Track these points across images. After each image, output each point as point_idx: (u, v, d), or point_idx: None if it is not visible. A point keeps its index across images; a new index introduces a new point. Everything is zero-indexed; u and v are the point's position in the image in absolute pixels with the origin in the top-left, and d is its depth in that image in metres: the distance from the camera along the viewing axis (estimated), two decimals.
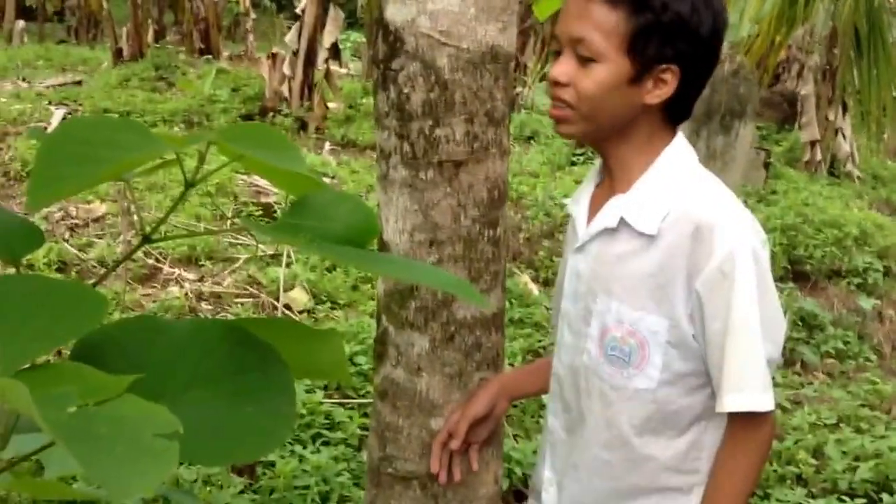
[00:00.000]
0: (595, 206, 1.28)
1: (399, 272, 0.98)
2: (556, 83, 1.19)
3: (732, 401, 1.16)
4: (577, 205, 1.32)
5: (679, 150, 1.24)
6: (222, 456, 0.87)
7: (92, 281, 3.64)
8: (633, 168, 1.23)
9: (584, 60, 1.17)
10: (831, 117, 6.84)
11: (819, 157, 6.82)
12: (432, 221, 1.47)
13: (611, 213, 1.23)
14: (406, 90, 1.41)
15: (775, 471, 3.05)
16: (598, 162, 1.33)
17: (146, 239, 0.80)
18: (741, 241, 1.14)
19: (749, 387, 1.15)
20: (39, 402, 0.58)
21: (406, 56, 1.39)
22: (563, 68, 1.18)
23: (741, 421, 1.18)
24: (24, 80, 9.20)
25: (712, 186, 1.21)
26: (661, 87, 1.18)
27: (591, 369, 1.25)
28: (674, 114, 1.23)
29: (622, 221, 1.21)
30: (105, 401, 0.69)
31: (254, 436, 0.82)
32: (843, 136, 6.96)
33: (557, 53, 1.22)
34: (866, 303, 4.70)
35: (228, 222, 5.32)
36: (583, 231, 1.28)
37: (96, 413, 0.67)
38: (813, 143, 6.82)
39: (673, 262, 1.16)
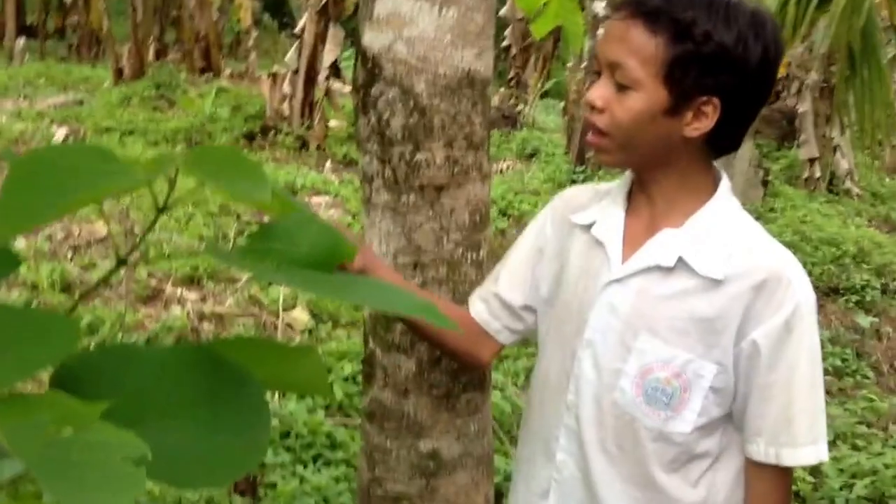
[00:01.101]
0: (632, 237, 1.21)
1: (361, 297, 0.98)
2: (592, 107, 1.15)
3: (808, 453, 1.15)
4: (606, 229, 1.23)
5: (730, 195, 1.20)
6: (195, 480, 0.88)
7: (96, 302, 3.63)
8: (680, 202, 1.17)
9: (621, 87, 1.12)
10: (830, 134, 6.86)
11: (818, 174, 6.83)
12: (415, 244, 1.49)
13: (665, 250, 1.16)
14: (386, 116, 1.43)
15: None
16: (622, 185, 1.26)
17: (121, 262, 0.82)
18: (807, 296, 1.13)
19: (821, 438, 1.15)
20: (11, 429, 0.59)
21: (384, 82, 1.41)
22: (599, 92, 1.14)
23: (783, 470, 1.17)
24: (25, 98, 9.24)
25: (770, 238, 1.19)
26: (702, 120, 1.12)
27: (626, 408, 1.19)
28: (717, 147, 1.18)
29: (680, 260, 1.15)
30: (79, 428, 0.70)
31: (226, 461, 0.83)
32: (842, 154, 6.97)
33: (598, 74, 1.17)
34: (864, 320, 4.70)
35: (231, 242, 5.35)
36: (619, 263, 1.20)
37: (68, 440, 0.69)
38: (812, 161, 6.84)
39: (732, 309, 1.13)
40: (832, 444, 3.44)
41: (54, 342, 0.76)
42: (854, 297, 4.94)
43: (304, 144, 7.68)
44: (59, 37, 15.75)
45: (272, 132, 7.84)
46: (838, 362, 4.33)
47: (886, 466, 3.18)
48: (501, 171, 7.24)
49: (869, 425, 3.67)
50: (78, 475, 0.62)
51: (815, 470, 3.19)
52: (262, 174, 0.91)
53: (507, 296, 1.36)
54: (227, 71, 10.71)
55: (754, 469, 1.18)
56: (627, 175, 1.25)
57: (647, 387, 1.17)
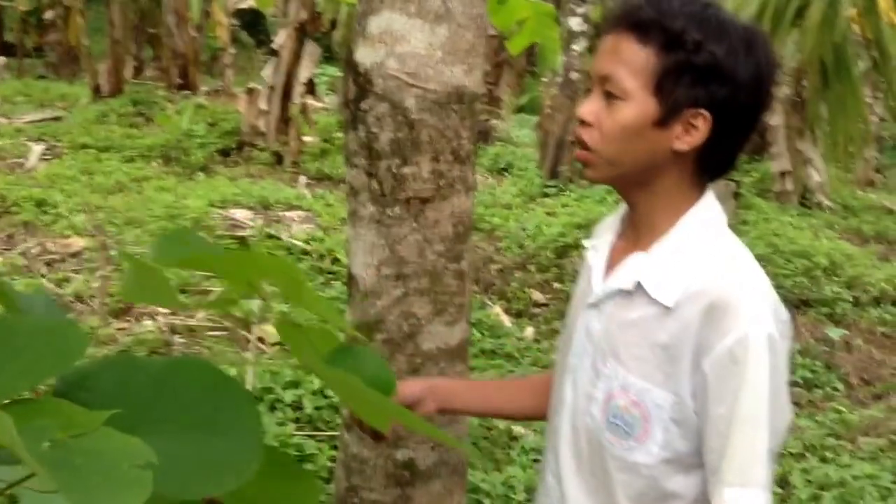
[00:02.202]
0: (614, 259, 1.19)
1: (410, 423, 1.07)
2: (582, 122, 1.13)
3: (735, 496, 1.05)
4: (597, 253, 1.22)
5: (707, 211, 1.14)
6: (191, 489, 0.90)
7: (69, 315, 3.61)
8: (658, 224, 1.14)
9: (611, 99, 1.10)
10: (801, 148, 6.99)
11: (790, 187, 6.95)
12: (398, 256, 1.51)
13: (628, 273, 1.14)
14: (375, 130, 1.45)
15: None
16: (621, 207, 1.24)
17: None
18: (757, 326, 1.04)
19: (752, 483, 1.05)
20: (18, 433, 0.61)
21: (375, 97, 1.44)
22: (590, 107, 1.12)
23: None
24: (3, 116, 9.17)
25: (738, 259, 1.11)
26: (692, 134, 1.08)
27: (594, 433, 1.17)
28: (708, 166, 1.13)
29: (639, 286, 1.12)
30: (82, 434, 0.72)
31: (222, 470, 0.85)
32: (814, 167, 7.10)
33: (589, 89, 1.16)
34: (834, 332, 4.77)
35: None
36: (598, 286, 1.19)
37: (73, 445, 0.70)
38: (783, 174, 6.95)
39: (684, 336, 1.08)
40: (801, 456, 3.49)
41: (64, 350, 0.78)
42: (825, 310, 5.02)
43: (279, 160, 7.67)
44: (37, 55, 15.61)
45: (248, 148, 7.83)
46: (808, 374, 4.39)
47: (854, 478, 3.23)
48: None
49: (838, 437, 3.73)
50: (84, 479, 0.64)
51: (783, 481, 3.24)
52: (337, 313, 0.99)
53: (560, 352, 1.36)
54: (205, 88, 10.68)
55: None
56: None
57: (609, 414, 1.14)
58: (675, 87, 1.07)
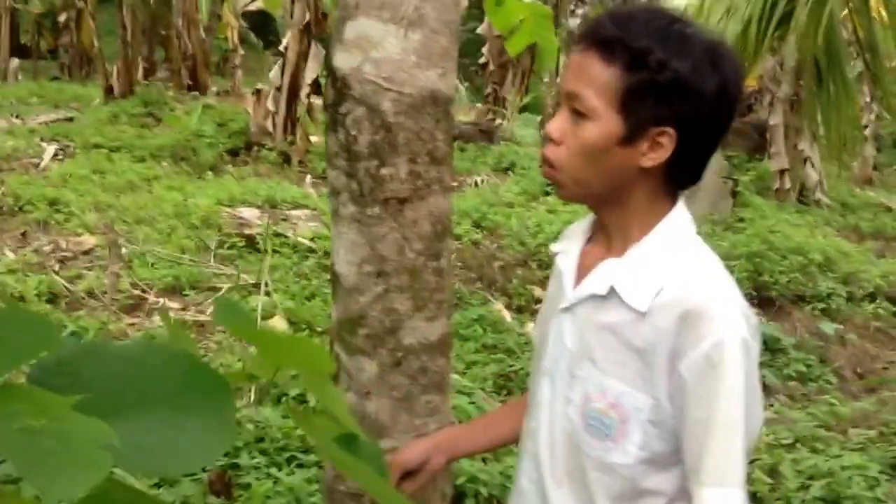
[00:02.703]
0: (585, 264, 1.22)
1: (358, 478, 1.14)
2: (550, 140, 1.14)
3: (712, 496, 1.08)
4: (567, 258, 1.25)
5: (678, 220, 1.16)
6: (164, 467, 0.96)
7: (81, 311, 3.72)
8: (631, 233, 1.16)
9: (577, 116, 1.11)
10: (800, 146, 7.04)
11: (788, 185, 7.00)
12: (379, 254, 1.58)
13: (601, 279, 1.16)
14: (353, 132, 1.53)
15: None
16: (590, 214, 1.26)
17: None
18: (732, 331, 1.07)
19: (730, 483, 1.08)
20: None
21: (352, 101, 1.51)
22: (557, 125, 1.13)
23: None
24: (17, 116, 9.33)
25: (708, 266, 1.15)
26: (657, 151, 1.10)
27: (572, 435, 1.19)
28: (677, 178, 1.15)
29: (612, 291, 1.15)
30: (52, 418, 0.78)
31: (194, 449, 0.92)
32: (812, 165, 7.15)
33: (558, 104, 1.19)
34: (829, 327, 4.83)
35: (213, 253, 5.44)
36: (570, 291, 1.21)
37: (42, 429, 0.76)
38: (782, 172, 7.00)
39: (659, 341, 1.10)
40: (792, 447, 3.56)
41: (33, 341, 0.85)
42: (820, 305, 5.08)
43: (286, 159, 7.78)
44: (52, 57, 15.84)
45: (256, 148, 7.95)
46: (802, 368, 4.45)
47: (843, 468, 3.29)
48: (477, 184, 7.37)
49: (828, 429, 3.79)
50: (49, 460, 0.69)
51: (773, 471, 3.31)
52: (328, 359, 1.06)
53: (534, 333, 1.45)
54: (215, 88, 10.82)
55: None
56: None
57: (587, 416, 1.16)
58: (640, 105, 1.08)
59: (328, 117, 1.59)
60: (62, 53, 14.50)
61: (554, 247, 1.30)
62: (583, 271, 1.21)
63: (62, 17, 13.43)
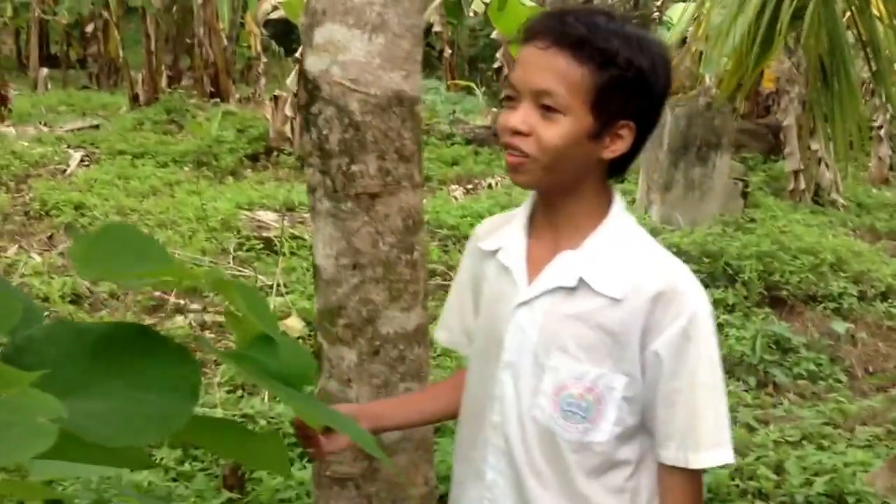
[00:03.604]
0: (534, 260, 1.25)
1: (320, 417, 1.15)
2: (517, 132, 1.17)
3: (712, 457, 1.19)
4: (510, 254, 1.28)
5: (621, 209, 1.24)
6: (122, 437, 1.03)
7: (103, 312, 3.84)
8: (581, 224, 1.22)
9: (547, 112, 1.15)
10: (814, 147, 7.00)
11: (803, 185, 6.97)
12: (354, 247, 1.66)
13: (565, 271, 1.21)
14: (325, 131, 1.61)
15: (737, 486, 3.17)
16: (524, 209, 1.31)
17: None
18: (702, 306, 1.18)
19: (724, 443, 1.19)
20: None
21: (323, 101, 1.60)
22: (522, 118, 1.17)
23: (692, 473, 1.21)
24: (45, 124, 9.59)
25: (660, 248, 1.24)
26: (617, 143, 1.18)
27: (545, 423, 1.23)
28: (615, 169, 1.24)
29: (581, 281, 1.20)
30: (10, 393, 0.85)
31: (154, 420, 0.99)
32: (827, 166, 7.11)
33: (509, 98, 1.20)
34: (840, 326, 4.81)
35: (231, 255, 5.55)
36: (525, 287, 1.25)
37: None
38: (796, 173, 6.98)
39: (633, 322, 1.17)
40: (798, 444, 3.57)
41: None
42: (831, 305, 5.06)
43: (304, 164, 7.90)
44: (81, 66, 16.19)
45: (275, 153, 8.09)
46: (812, 367, 4.44)
47: (846, 465, 3.29)
48: (490, 187, 7.42)
49: (835, 426, 3.79)
50: (1, 433, 0.78)
51: (778, 468, 3.32)
52: (266, 305, 1.09)
53: (453, 308, 1.43)
54: (237, 95, 11.02)
55: (667, 473, 1.22)
56: (530, 199, 1.30)
57: (563, 403, 1.21)
58: (611, 102, 1.15)
59: (302, 118, 1.67)
60: (91, 63, 14.84)
61: (485, 244, 1.33)
62: (535, 266, 1.25)
63: (90, 28, 13.75)
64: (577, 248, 1.21)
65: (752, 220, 6.08)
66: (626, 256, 1.20)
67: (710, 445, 1.18)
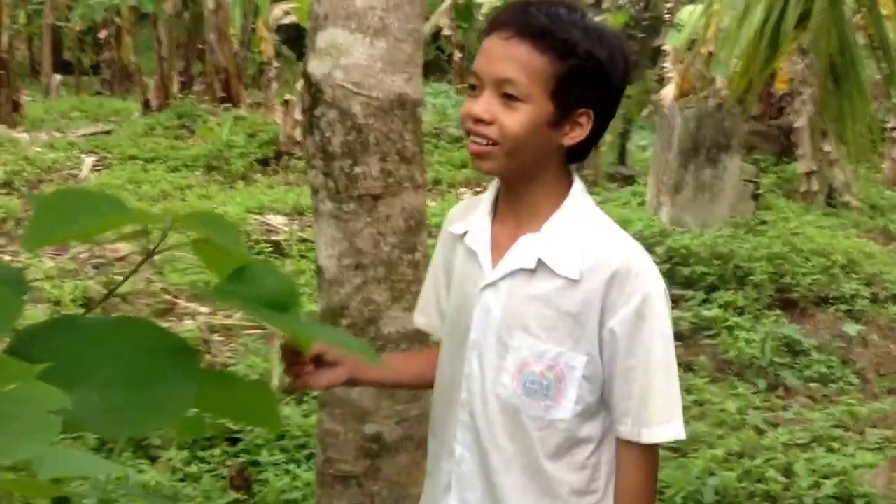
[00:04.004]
0: (498, 243, 1.29)
1: (309, 332, 1.16)
2: (479, 120, 1.21)
3: (662, 432, 1.23)
4: (476, 239, 1.32)
5: (580, 193, 1.28)
6: (125, 427, 1.05)
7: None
8: (541, 208, 1.26)
9: (509, 100, 1.19)
10: (826, 148, 6.97)
11: (815, 187, 6.93)
12: (356, 248, 1.68)
13: (525, 253, 1.26)
14: (328, 134, 1.63)
15: (745, 488, 3.16)
16: (489, 195, 1.34)
17: (109, 295, 1.02)
18: (655, 286, 1.22)
19: (675, 418, 1.24)
20: None
21: (326, 104, 1.62)
22: (485, 106, 1.21)
23: (650, 448, 1.26)
24: (58, 130, 9.68)
25: (617, 230, 1.28)
26: (577, 130, 1.22)
27: (508, 400, 1.27)
28: (575, 156, 1.28)
29: (540, 263, 1.24)
30: (16, 385, 0.87)
31: (155, 412, 1.01)
32: (840, 167, 7.07)
33: (472, 87, 1.24)
34: (851, 329, 4.78)
35: None
36: (489, 269, 1.29)
37: (4, 396, 0.84)
38: (809, 174, 6.95)
39: (590, 302, 1.22)
40: (807, 447, 3.55)
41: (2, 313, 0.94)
42: (843, 307, 5.03)
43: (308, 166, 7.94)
44: (94, 72, 16.32)
45: (285, 157, 8.13)
46: (824, 369, 4.42)
47: (855, 467, 3.28)
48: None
49: (846, 428, 3.77)
50: (6, 424, 0.79)
51: (787, 471, 3.31)
52: (236, 232, 1.11)
53: (429, 292, 1.45)
54: (248, 100, 11.08)
55: (624, 448, 1.27)
56: (494, 184, 1.33)
57: (525, 380, 1.26)
58: (570, 90, 1.20)
59: (305, 120, 1.69)
60: (103, 69, 14.97)
61: (455, 228, 1.37)
62: (499, 249, 1.29)
63: (102, 34, 13.86)
64: (536, 232, 1.26)
65: (764, 222, 6.05)
66: (583, 238, 1.24)
67: (661, 421, 1.23)
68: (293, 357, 1.32)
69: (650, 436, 1.24)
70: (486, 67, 1.22)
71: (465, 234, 1.34)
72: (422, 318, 1.48)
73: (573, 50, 1.18)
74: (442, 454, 1.38)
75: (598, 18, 5.41)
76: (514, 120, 1.20)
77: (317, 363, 1.34)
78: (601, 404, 1.27)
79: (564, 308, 1.23)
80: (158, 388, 1.02)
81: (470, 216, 1.35)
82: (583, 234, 1.25)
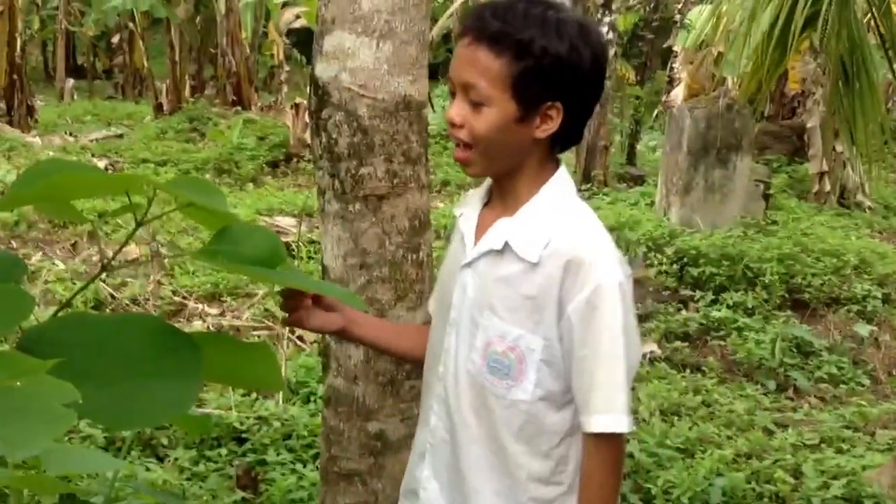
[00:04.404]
0: (482, 225, 1.36)
1: (294, 282, 1.18)
2: (453, 124, 1.28)
3: (601, 422, 1.25)
4: (467, 220, 1.39)
5: (561, 182, 1.33)
6: (131, 421, 1.07)
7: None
8: (521, 195, 1.31)
9: (475, 104, 1.25)
10: (839, 148, 6.94)
11: (828, 188, 6.91)
12: (361, 247, 1.69)
13: (497, 236, 1.31)
14: (334, 135, 1.65)
15: (753, 489, 3.16)
16: (486, 182, 1.41)
17: (104, 268, 1.03)
18: (609, 276, 1.24)
19: (615, 409, 1.25)
20: None
21: (332, 106, 1.63)
22: (456, 111, 1.27)
23: (603, 440, 1.27)
24: (71, 134, 9.75)
25: (587, 221, 1.31)
26: (548, 123, 1.27)
27: (476, 377, 1.32)
28: (560, 144, 1.33)
29: (507, 245, 1.29)
30: (28, 380, 0.88)
31: (159, 405, 1.03)
32: (852, 167, 7.04)
33: (452, 94, 1.30)
34: (863, 329, 4.77)
35: None
36: (471, 249, 1.35)
37: (14, 389, 0.86)
38: (821, 175, 6.92)
39: (549, 288, 1.25)
40: (816, 448, 3.54)
41: (9, 313, 0.96)
42: (855, 307, 5.01)
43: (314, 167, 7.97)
44: (107, 77, 16.46)
45: (295, 159, 8.16)
46: (834, 370, 4.40)
47: (864, 468, 3.26)
48: None
49: (856, 429, 3.76)
50: (16, 416, 0.81)
51: (796, 472, 3.30)
52: (221, 193, 1.13)
53: (431, 306, 1.53)
54: (258, 104, 11.14)
55: (585, 438, 1.29)
56: None
57: (489, 359, 1.31)
58: (529, 88, 1.24)
59: (312, 123, 1.70)
60: (116, 73, 15.10)
61: (456, 210, 1.45)
62: (481, 231, 1.35)
63: (115, 39, 13.98)
64: (512, 216, 1.31)
65: (774, 223, 6.03)
66: (549, 224, 1.28)
67: (601, 410, 1.25)
68: (291, 294, 1.36)
69: (590, 424, 1.26)
70: (454, 74, 1.28)
71: (460, 216, 1.41)
72: (431, 303, 1.53)
73: (528, 49, 1.22)
74: (422, 423, 1.46)
75: (607, 20, 5.48)
76: (481, 123, 1.26)
77: (315, 304, 1.38)
78: (568, 394, 1.30)
79: (524, 291, 1.27)
80: (164, 383, 1.04)
81: (470, 201, 1.43)
82: (550, 220, 1.29)
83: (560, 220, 1.29)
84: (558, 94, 1.25)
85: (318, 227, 6.65)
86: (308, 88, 1.66)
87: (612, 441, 1.28)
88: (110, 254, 5.88)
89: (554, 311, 1.26)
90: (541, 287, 1.26)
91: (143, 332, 1.09)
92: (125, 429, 1.00)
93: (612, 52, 6.92)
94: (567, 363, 1.28)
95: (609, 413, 1.25)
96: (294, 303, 1.37)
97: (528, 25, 1.23)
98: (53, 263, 5.45)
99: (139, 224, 0.98)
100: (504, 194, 1.35)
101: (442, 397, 1.38)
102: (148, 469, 2.82)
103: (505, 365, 1.30)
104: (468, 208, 1.41)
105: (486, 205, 1.39)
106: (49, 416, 0.83)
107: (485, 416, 1.33)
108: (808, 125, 6.93)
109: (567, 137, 1.32)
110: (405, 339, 1.56)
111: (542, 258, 1.26)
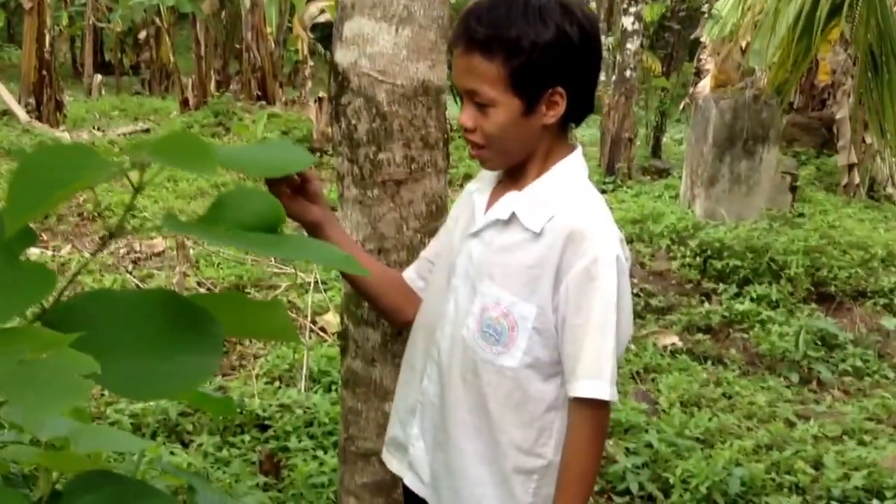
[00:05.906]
0: (494, 199, 1.42)
1: (291, 252, 1.18)
2: (466, 129, 1.35)
3: (586, 387, 1.28)
4: (480, 195, 1.45)
5: (573, 164, 1.39)
6: (151, 392, 1.10)
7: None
8: (532, 173, 1.38)
9: (481, 108, 1.32)
10: (869, 140, 6.85)
11: (857, 180, 6.82)
12: (379, 232, 1.71)
13: (505, 207, 1.37)
14: (353, 121, 1.67)
15: (773, 479, 3.15)
16: None
17: (111, 235, 1.06)
18: (607, 250, 1.29)
19: (602, 377, 1.27)
20: None
21: (351, 92, 1.65)
22: (467, 116, 1.34)
23: (587, 406, 1.30)
24: (98, 129, 9.88)
25: (593, 200, 1.37)
26: (555, 108, 1.32)
27: (469, 342, 1.38)
28: (574, 119, 1.38)
29: (513, 216, 1.35)
30: (51, 353, 0.92)
31: (179, 378, 1.05)
32: (882, 159, 6.95)
33: (462, 98, 1.37)
34: (889, 322, 4.72)
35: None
36: (480, 218, 1.41)
37: (37, 362, 0.89)
38: (850, 167, 6.84)
39: (548, 258, 1.30)
40: (838, 440, 3.52)
41: (33, 288, 0.99)
42: (882, 300, 4.96)
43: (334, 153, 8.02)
44: (134, 72, 16.65)
45: (318, 153, 8.22)
46: (859, 363, 4.37)
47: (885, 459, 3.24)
48: None
49: (879, 421, 3.73)
50: (38, 386, 0.84)
51: (817, 463, 3.28)
52: (212, 154, 1.15)
53: (427, 254, 1.59)
54: (283, 98, 11.22)
55: (572, 404, 1.32)
56: None
57: (483, 324, 1.36)
58: (528, 82, 1.29)
59: (332, 109, 1.73)
60: (143, 69, 15.27)
61: (470, 186, 1.51)
62: (491, 205, 1.42)
63: (142, 35, 14.14)
64: (520, 190, 1.38)
65: (801, 215, 5.98)
66: (556, 199, 1.34)
67: (586, 376, 1.28)
68: (274, 182, 1.40)
69: (574, 389, 1.29)
70: (456, 82, 1.35)
71: (476, 191, 1.47)
72: (411, 269, 1.59)
73: (517, 46, 1.27)
74: (413, 382, 1.51)
75: (633, 10, 5.48)
76: (490, 124, 1.32)
77: (298, 194, 1.44)
78: (558, 365, 1.33)
79: (523, 259, 1.33)
80: (184, 356, 1.06)
81: (484, 178, 1.49)
82: (556, 194, 1.35)
83: (567, 197, 1.34)
84: (557, 79, 1.30)
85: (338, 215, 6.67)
86: (328, 75, 1.68)
87: (595, 408, 1.30)
88: (137, 246, 5.98)
89: (551, 279, 1.30)
90: (541, 256, 1.31)
91: (163, 307, 1.12)
92: (145, 399, 1.03)
93: (637, 42, 6.88)
94: (560, 332, 1.31)
95: (595, 379, 1.28)
96: (277, 190, 1.40)
97: (513, 22, 1.27)
98: (83, 256, 5.54)
99: (137, 191, 0.99)
100: (515, 173, 1.41)
101: (436, 360, 1.44)
102: (173, 453, 2.87)
103: (497, 331, 1.34)
104: (484, 184, 1.47)
105: (499, 183, 1.45)
106: (69, 386, 0.86)
107: (472, 382, 1.37)
108: (838, 116, 6.85)
109: (578, 112, 1.36)
110: (392, 294, 1.57)
111: (544, 229, 1.31)
